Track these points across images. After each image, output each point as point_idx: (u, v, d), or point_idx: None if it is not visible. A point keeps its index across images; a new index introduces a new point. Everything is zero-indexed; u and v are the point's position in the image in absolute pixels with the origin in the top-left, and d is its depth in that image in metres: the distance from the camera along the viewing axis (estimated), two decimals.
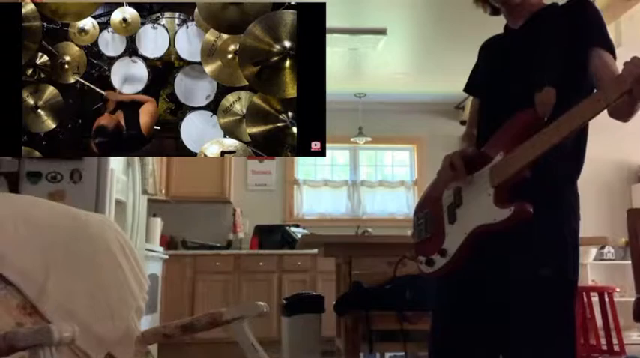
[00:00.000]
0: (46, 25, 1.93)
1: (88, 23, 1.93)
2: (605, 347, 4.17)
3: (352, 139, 6.27)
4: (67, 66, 1.93)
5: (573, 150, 1.56)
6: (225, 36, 1.94)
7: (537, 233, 1.48)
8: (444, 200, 1.66)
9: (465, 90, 1.88)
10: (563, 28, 1.56)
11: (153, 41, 1.95)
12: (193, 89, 1.96)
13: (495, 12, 1.76)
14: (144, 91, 1.95)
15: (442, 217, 1.64)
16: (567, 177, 1.57)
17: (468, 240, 1.53)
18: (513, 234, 1.45)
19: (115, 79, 1.93)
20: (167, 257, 5.07)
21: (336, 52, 5.01)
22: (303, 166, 6.48)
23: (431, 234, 1.67)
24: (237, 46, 1.92)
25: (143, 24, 1.95)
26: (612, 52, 1.53)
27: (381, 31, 4.66)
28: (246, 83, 1.93)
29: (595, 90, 1.53)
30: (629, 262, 3.22)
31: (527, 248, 1.50)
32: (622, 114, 1.44)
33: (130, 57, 1.94)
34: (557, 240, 1.51)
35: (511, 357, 1.53)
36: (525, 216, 1.42)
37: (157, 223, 5.15)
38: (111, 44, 1.94)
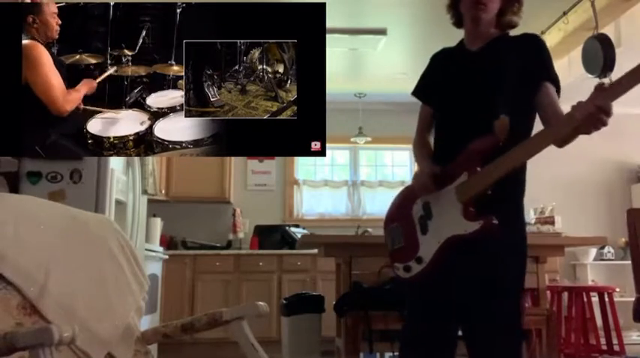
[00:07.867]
0: None
1: None
2: (605, 347, 4.17)
3: (352, 139, 6.26)
4: None
5: (519, 174, 1.79)
6: None
7: (497, 241, 1.70)
8: (414, 213, 1.85)
9: (415, 94, 2.04)
10: (518, 60, 1.75)
11: None
12: None
13: (458, 25, 1.93)
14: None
15: (414, 228, 1.84)
16: (517, 195, 1.81)
17: (441, 247, 1.75)
18: (478, 241, 1.68)
19: None
20: (167, 257, 5.06)
21: (336, 52, 5.00)
22: (303, 166, 6.48)
23: (404, 243, 1.86)
24: None
25: None
26: (558, 85, 1.77)
27: (381, 31, 4.65)
28: None
29: (539, 118, 1.79)
30: (629, 262, 3.22)
31: (488, 254, 1.72)
32: (562, 142, 1.66)
33: None
34: (513, 247, 1.76)
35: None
36: (491, 227, 1.66)
37: (157, 223, 5.14)
38: None
